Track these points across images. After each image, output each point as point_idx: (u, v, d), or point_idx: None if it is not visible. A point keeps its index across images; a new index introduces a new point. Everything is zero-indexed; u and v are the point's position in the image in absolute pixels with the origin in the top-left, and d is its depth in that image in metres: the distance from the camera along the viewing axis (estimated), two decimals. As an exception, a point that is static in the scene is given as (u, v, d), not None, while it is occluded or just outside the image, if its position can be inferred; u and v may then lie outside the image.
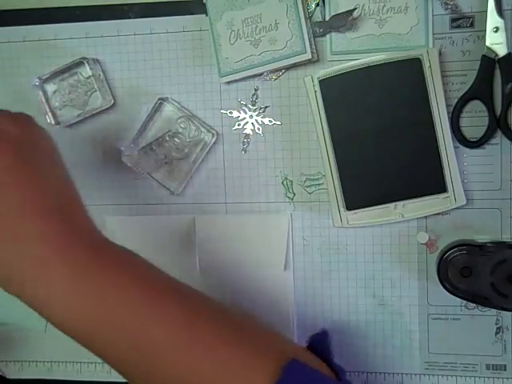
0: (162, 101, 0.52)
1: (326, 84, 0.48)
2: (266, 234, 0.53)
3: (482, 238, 0.49)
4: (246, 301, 0.54)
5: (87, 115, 0.53)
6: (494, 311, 0.50)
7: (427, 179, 0.48)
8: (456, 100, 0.48)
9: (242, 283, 0.54)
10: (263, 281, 0.53)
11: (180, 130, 0.52)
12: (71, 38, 0.54)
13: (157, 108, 0.52)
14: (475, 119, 0.49)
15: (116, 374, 0.57)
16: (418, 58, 0.47)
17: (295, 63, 0.50)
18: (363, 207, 0.50)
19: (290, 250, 0.53)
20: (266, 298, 0.53)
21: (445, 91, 0.48)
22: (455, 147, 0.48)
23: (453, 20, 0.48)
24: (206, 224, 0.54)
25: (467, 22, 0.48)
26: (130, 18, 0.53)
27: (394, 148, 0.48)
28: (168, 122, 0.52)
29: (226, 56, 0.50)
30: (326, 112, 0.49)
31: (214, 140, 0.52)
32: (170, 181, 0.53)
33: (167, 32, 0.53)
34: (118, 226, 0.55)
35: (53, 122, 0.53)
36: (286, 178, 0.52)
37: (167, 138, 0.52)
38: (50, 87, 0.54)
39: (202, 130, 0.52)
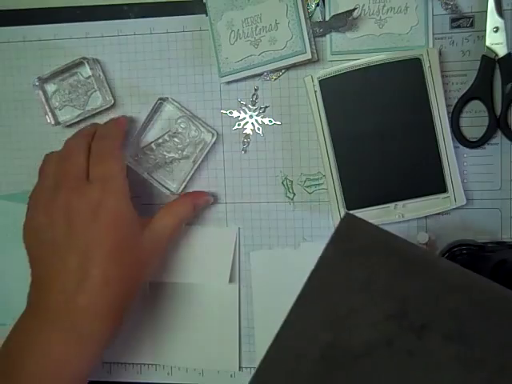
0: (162, 101, 0.52)
1: (325, 84, 0.48)
2: (213, 247, 0.54)
3: (482, 238, 0.49)
4: (192, 312, 0.55)
5: (87, 115, 0.53)
6: (493, 311, 0.50)
7: (427, 179, 0.48)
8: (456, 100, 0.48)
9: (189, 295, 0.55)
10: (209, 293, 0.54)
11: (180, 130, 0.51)
12: (71, 38, 0.54)
13: (157, 108, 0.52)
14: (475, 119, 0.49)
15: (116, 374, 0.57)
16: (418, 58, 0.47)
17: (295, 63, 0.50)
18: (363, 207, 0.50)
19: (237, 264, 0.54)
20: (212, 311, 0.54)
21: (445, 91, 0.48)
22: (455, 147, 0.48)
23: (453, 20, 0.48)
24: None
25: (467, 22, 0.48)
26: (130, 17, 0.53)
27: (394, 148, 0.48)
28: (168, 122, 0.52)
29: (225, 56, 0.50)
30: (326, 112, 0.49)
31: (214, 140, 0.51)
32: (170, 181, 0.53)
33: (167, 32, 0.53)
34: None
35: (53, 122, 0.53)
36: (286, 178, 0.52)
37: (167, 138, 0.52)
38: (50, 87, 0.54)
39: (202, 130, 0.51)
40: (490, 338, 0.32)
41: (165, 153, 0.52)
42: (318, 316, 0.35)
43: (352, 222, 0.37)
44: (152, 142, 0.52)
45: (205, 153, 0.52)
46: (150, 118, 0.52)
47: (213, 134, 0.51)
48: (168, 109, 0.52)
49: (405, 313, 0.33)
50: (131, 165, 0.53)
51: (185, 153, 0.52)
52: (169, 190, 0.53)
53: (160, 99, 0.52)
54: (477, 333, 0.33)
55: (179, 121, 0.52)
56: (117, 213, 0.45)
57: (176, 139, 0.52)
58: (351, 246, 0.36)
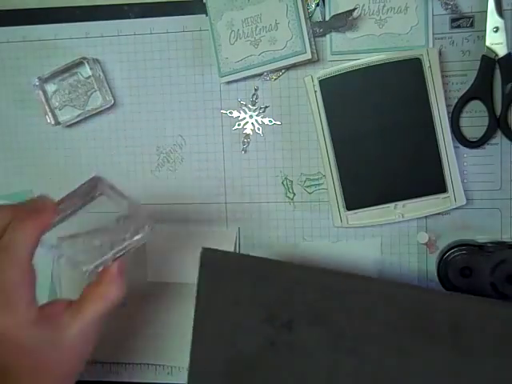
0: (99, 181, 0.42)
1: (326, 84, 0.48)
2: (213, 247, 0.53)
3: (481, 238, 0.49)
4: (192, 312, 0.54)
5: (87, 115, 0.53)
6: (493, 311, 0.50)
7: (427, 179, 0.48)
8: (456, 100, 0.48)
9: (189, 295, 0.54)
10: None
11: (117, 226, 0.43)
12: (71, 38, 0.54)
13: (93, 188, 0.42)
14: (475, 119, 0.49)
15: (116, 374, 0.57)
16: (418, 58, 0.47)
17: (295, 63, 0.50)
18: (363, 207, 0.50)
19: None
20: None
21: (445, 91, 0.48)
22: (455, 147, 0.48)
23: (453, 20, 0.48)
24: (156, 235, 0.53)
25: (467, 22, 0.48)
26: (130, 17, 0.53)
27: (394, 148, 0.48)
28: (103, 210, 0.42)
29: (226, 56, 0.50)
30: (326, 112, 0.49)
31: (150, 235, 0.43)
32: (85, 261, 0.43)
33: (167, 32, 0.53)
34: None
35: (53, 122, 0.53)
36: (286, 178, 0.52)
37: (99, 231, 0.43)
38: (50, 87, 0.54)
39: (142, 228, 0.42)
40: (344, 316, 0.42)
41: (92, 243, 0.43)
42: (210, 336, 0.44)
43: (211, 254, 0.46)
44: (81, 233, 0.43)
45: (135, 247, 0.43)
46: (82, 197, 0.42)
47: (150, 232, 0.43)
48: (107, 193, 0.42)
49: (274, 315, 0.43)
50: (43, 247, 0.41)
51: (115, 247, 0.43)
52: (84, 270, 0.43)
53: (96, 178, 0.42)
54: (331, 313, 0.42)
55: (120, 219, 0.43)
56: (16, 345, 0.39)
57: (110, 234, 0.43)
58: (215, 273, 0.45)
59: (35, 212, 0.39)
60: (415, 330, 0.41)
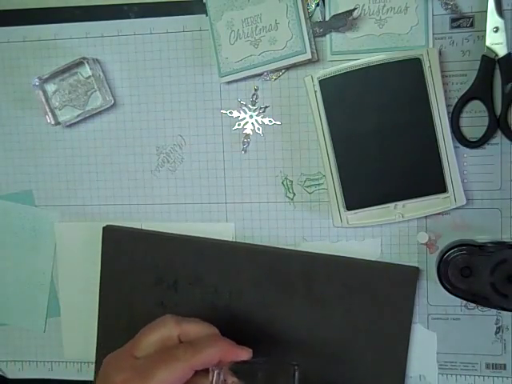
0: None
1: (325, 84, 0.48)
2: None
3: (481, 238, 0.49)
4: None
5: (87, 115, 0.53)
6: (494, 311, 0.50)
7: (427, 179, 0.48)
8: (456, 100, 0.48)
9: None
10: None
11: None
12: (71, 38, 0.54)
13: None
14: (475, 119, 0.49)
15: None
16: (418, 58, 0.47)
17: (295, 63, 0.50)
18: (363, 207, 0.50)
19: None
20: None
21: (445, 91, 0.48)
22: (455, 147, 0.48)
23: (453, 20, 0.48)
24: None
25: (467, 22, 0.48)
26: (130, 17, 0.53)
27: (394, 148, 0.48)
28: None
29: (225, 56, 0.50)
30: (326, 112, 0.49)
31: None
32: None
33: (167, 32, 0.53)
34: (66, 232, 0.56)
35: (53, 122, 0.53)
36: (286, 178, 0.52)
37: None
38: (50, 87, 0.54)
39: None
40: (216, 277, 0.52)
41: None
42: (114, 298, 0.54)
43: (110, 231, 0.54)
44: None
45: None
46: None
47: None
48: None
49: (161, 278, 0.53)
50: None
51: None
52: None
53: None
54: (205, 275, 0.52)
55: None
56: None
57: None
58: (114, 247, 0.54)
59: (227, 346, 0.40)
60: (274, 283, 0.51)
